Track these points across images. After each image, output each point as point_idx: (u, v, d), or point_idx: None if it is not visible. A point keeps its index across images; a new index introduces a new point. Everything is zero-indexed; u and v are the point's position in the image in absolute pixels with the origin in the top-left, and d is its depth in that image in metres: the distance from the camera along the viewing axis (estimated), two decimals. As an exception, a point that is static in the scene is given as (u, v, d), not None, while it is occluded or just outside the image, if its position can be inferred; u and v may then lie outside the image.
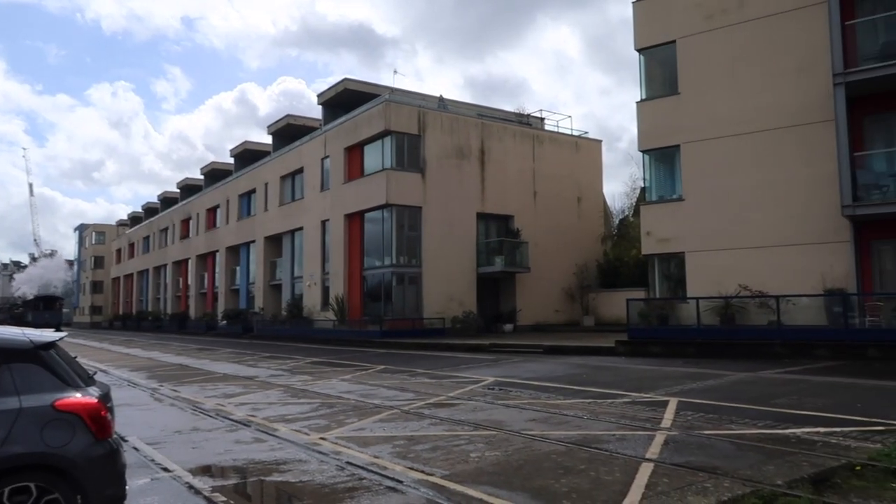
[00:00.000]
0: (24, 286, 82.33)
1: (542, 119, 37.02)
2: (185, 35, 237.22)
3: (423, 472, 6.37)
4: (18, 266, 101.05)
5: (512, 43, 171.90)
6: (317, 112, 38.20)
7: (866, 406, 9.25)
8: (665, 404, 9.93)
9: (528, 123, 35.28)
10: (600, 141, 37.56)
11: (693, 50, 20.94)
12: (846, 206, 16.47)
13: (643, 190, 25.72)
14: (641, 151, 22.25)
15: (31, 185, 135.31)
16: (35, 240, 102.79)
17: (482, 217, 31.52)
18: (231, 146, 50.90)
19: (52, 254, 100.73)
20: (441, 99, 33.94)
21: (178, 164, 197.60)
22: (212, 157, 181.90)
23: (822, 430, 7.75)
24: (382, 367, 17.33)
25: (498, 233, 31.98)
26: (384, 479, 6.15)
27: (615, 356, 18.45)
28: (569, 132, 36.22)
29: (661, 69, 22.15)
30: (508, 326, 30.04)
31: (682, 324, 19.45)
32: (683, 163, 20.96)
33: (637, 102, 22.28)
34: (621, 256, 33.12)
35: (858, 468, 6.02)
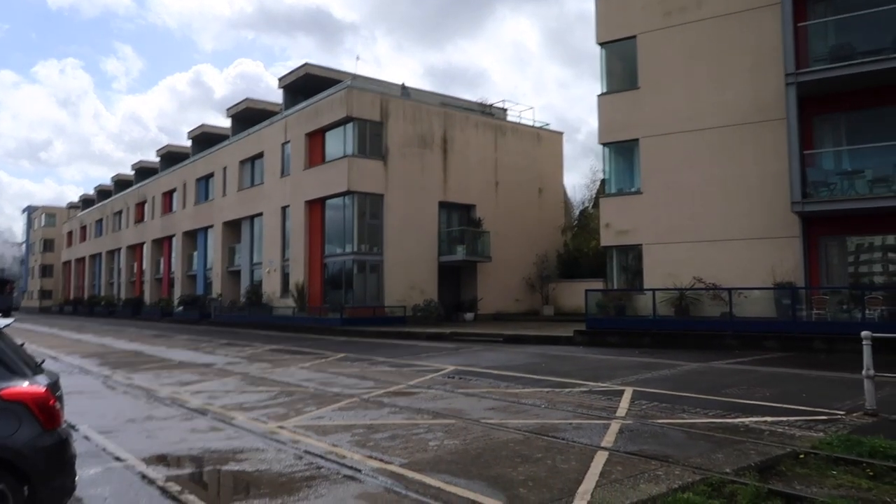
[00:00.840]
0: None
1: (504, 110, 37.13)
2: (136, 13, 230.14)
3: (381, 460, 6.39)
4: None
5: (472, 33, 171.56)
6: (276, 96, 37.65)
7: (811, 396, 9.59)
8: (621, 393, 10.13)
9: (490, 114, 35.36)
10: (561, 133, 37.92)
11: (652, 46, 21.25)
12: (795, 202, 16.98)
13: (603, 182, 26.07)
14: (602, 144, 22.53)
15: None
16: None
17: (444, 206, 31.54)
18: (186, 129, 49.86)
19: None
20: (404, 87, 33.73)
21: (131, 145, 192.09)
22: (166, 139, 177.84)
23: (768, 419, 8.01)
24: (342, 355, 17.26)
25: (460, 222, 32.05)
26: (342, 468, 6.15)
27: (574, 346, 18.72)
28: (530, 123, 36.45)
29: (621, 64, 22.42)
30: (469, 315, 30.21)
31: (639, 314, 19.85)
32: (642, 156, 21.31)
33: (598, 96, 22.52)
34: (581, 247, 33.54)
35: (802, 456, 6.26)
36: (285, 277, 32.89)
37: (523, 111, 37.12)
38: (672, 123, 20.62)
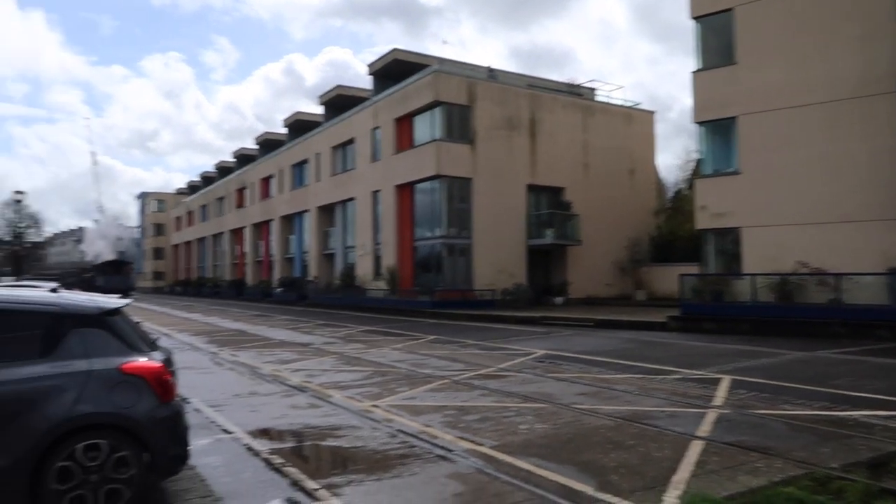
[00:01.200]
0: (90, 247, 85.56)
1: (593, 90, 36.26)
2: (231, 6, 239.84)
3: (472, 441, 6.49)
4: (101, 227, 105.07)
5: (557, 11, 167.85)
6: (365, 82, 38.33)
7: (931, 389, 8.93)
8: (717, 382, 9.80)
9: (578, 94, 34.63)
10: (653, 112, 36.63)
11: (751, 17, 20.08)
12: (916, 180, 15.70)
13: (698, 163, 25.03)
14: (696, 123, 21.59)
15: (93, 154, 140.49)
16: (99, 207, 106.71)
17: (532, 189, 31.26)
18: (280, 116, 51.75)
19: (116, 220, 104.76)
20: (490, 69, 33.54)
21: (230, 133, 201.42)
22: (261, 127, 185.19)
23: (881, 413, 7.54)
24: (433, 337, 17.54)
25: (548, 205, 31.68)
26: (434, 448, 6.29)
27: (667, 332, 18.22)
28: (620, 103, 35.42)
29: (717, 38, 21.33)
30: (559, 299, 29.92)
31: (737, 300, 19.01)
32: (740, 135, 20.27)
33: (692, 73, 21.56)
34: (675, 230, 32.45)
35: (919, 453, 5.86)
36: (377, 260, 33.67)
37: (612, 91, 35.95)
38: (773, 99, 19.48)
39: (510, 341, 16.23)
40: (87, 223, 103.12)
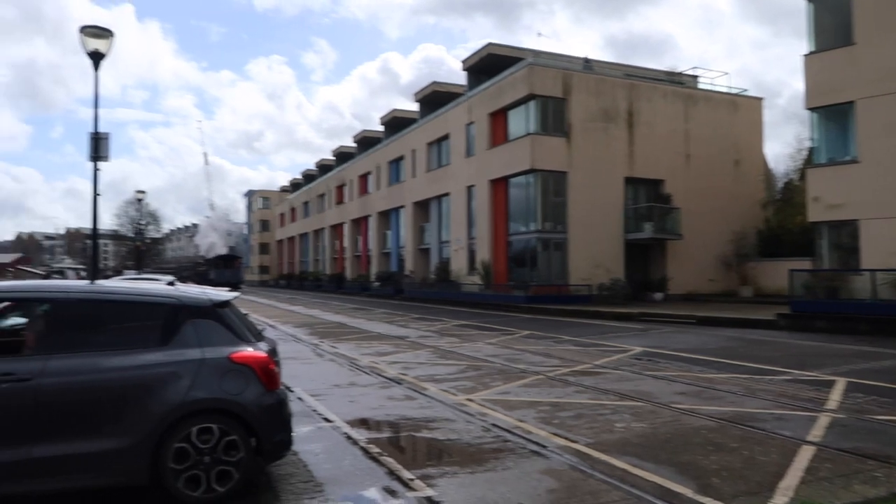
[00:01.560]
0: (203, 240, 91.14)
1: (695, 77, 34.77)
2: (330, 8, 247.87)
3: (566, 438, 6.43)
4: (194, 227, 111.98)
5: None
6: (459, 78, 38.54)
7: None
8: (831, 384, 9.21)
9: (679, 82, 33.31)
10: (761, 99, 34.67)
11: (875, -7, 18.62)
12: None
13: (810, 151, 23.51)
14: (809, 109, 20.29)
15: (205, 155, 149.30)
16: (210, 204, 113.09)
17: (630, 182, 30.41)
18: (376, 114, 53.12)
19: (225, 217, 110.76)
20: (586, 60, 32.86)
21: (329, 132, 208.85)
22: (358, 125, 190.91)
23: None
24: (527, 332, 17.47)
25: (647, 198, 30.73)
26: (528, 443, 6.28)
27: (775, 330, 17.29)
28: (725, 90, 33.77)
29: (832, 17, 19.92)
30: (658, 295, 28.99)
31: (854, 298, 17.74)
32: (858, 121, 18.88)
33: (804, 56, 20.26)
34: (784, 223, 30.64)
35: None
36: (471, 255, 33.85)
37: (716, 77, 34.37)
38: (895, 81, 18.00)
39: (606, 338, 15.91)
40: (199, 220, 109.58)
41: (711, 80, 34.18)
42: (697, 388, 9.09)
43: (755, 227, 31.67)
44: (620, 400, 8.30)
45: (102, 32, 13.04)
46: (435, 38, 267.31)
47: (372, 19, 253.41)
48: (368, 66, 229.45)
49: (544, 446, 6.17)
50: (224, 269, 63.39)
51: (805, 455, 5.75)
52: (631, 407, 7.87)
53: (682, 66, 34.74)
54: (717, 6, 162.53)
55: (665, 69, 34.64)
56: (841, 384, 9.19)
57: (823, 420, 7.07)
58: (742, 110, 33.35)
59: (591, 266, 28.56)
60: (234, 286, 56.07)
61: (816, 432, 6.55)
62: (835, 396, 8.38)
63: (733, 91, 33.92)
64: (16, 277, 74.30)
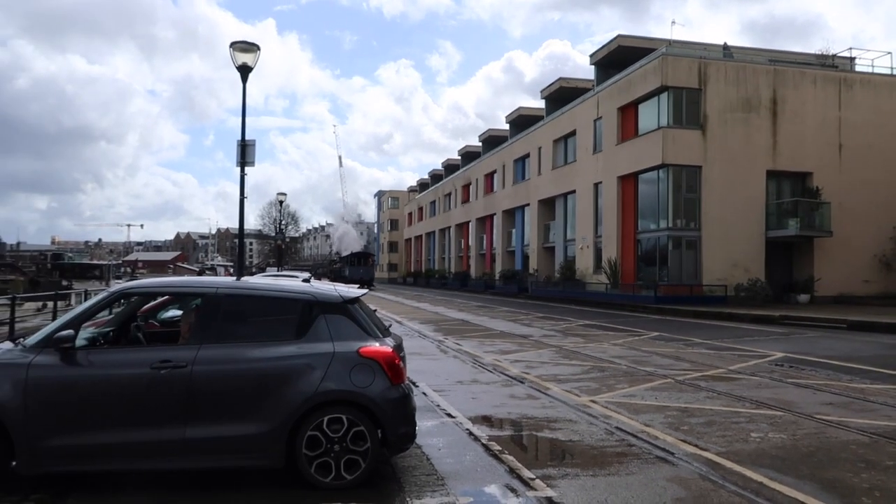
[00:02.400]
0: (336, 232, 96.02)
1: (851, 59, 31.86)
2: (454, 10, 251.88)
3: (696, 445, 6.15)
4: (327, 227, 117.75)
5: None
6: (584, 73, 37.90)
7: None
8: None
9: (833, 66, 30.65)
10: (931, 79, 31.16)
11: None
12: None
13: None
14: None
15: (340, 157, 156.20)
16: (344, 204, 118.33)
17: (773, 175, 28.43)
18: (501, 113, 53.37)
19: (358, 217, 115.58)
20: (725, 46, 31.06)
21: (454, 132, 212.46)
22: (482, 125, 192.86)
23: None
24: (656, 333, 16.84)
25: (792, 192, 28.61)
26: (654, 449, 6.07)
27: (943, 338, 15.53)
28: (887, 72, 30.68)
29: None
30: (803, 297, 26.90)
31: None
32: None
33: None
34: (957, 218, 27.41)
35: None
36: (598, 253, 33.10)
37: (877, 58, 31.28)
38: None
39: (743, 341, 15.00)
40: (333, 220, 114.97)
41: (871, 61, 31.27)
42: (847, 399, 8.36)
43: (921, 223, 28.55)
44: (757, 408, 7.81)
45: (250, 47, 14.04)
46: (560, 33, 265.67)
47: (496, 19, 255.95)
48: (493, 65, 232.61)
49: (672, 453, 5.94)
50: (358, 266, 64.44)
51: (976, 479, 5.14)
52: (769, 416, 7.38)
53: (836, 49, 31.87)
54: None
55: (816, 52, 32.05)
56: None
57: None
58: (906, 94, 30.16)
59: (727, 265, 27.02)
60: (367, 283, 57.76)
61: None
62: None
63: (896, 73, 30.80)
64: (175, 273, 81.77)
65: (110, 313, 7.13)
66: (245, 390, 4.92)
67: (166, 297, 7.84)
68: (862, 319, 18.47)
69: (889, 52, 31.15)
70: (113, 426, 4.77)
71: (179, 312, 8.03)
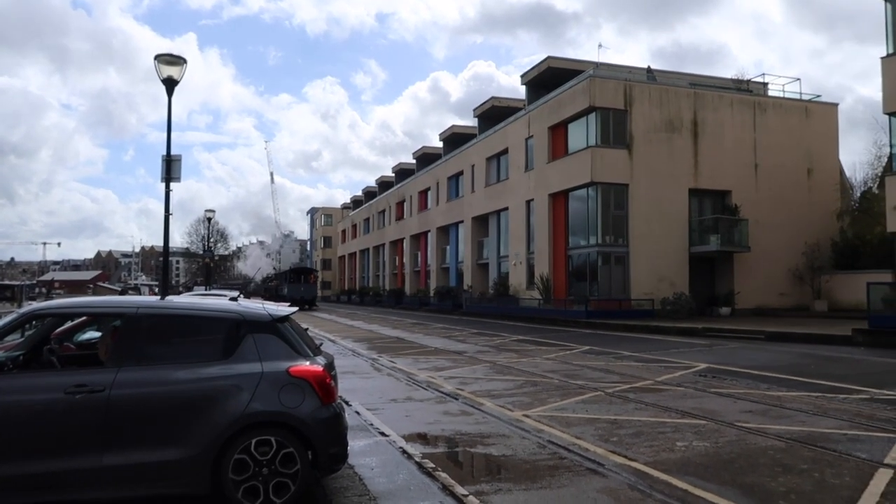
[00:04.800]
0: (253, 261, 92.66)
1: (764, 84, 33.72)
2: (378, 31, 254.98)
3: (625, 456, 6.28)
4: (262, 245, 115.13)
5: (703, 8, 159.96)
6: (508, 92, 38.89)
7: None
8: (912, 404, 8.69)
9: (748, 90, 32.35)
10: (835, 105, 33.28)
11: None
12: None
13: (889, 158, 22.42)
14: (887, 114, 19.41)
15: (271, 174, 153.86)
16: (276, 222, 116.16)
17: (695, 193, 29.67)
18: (429, 131, 53.70)
19: (289, 235, 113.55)
20: (649, 70, 32.35)
21: (382, 150, 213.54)
22: (410, 143, 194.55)
23: None
24: (587, 347, 17.19)
25: (713, 209, 29.90)
26: (585, 461, 6.17)
27: (851, 346, 16.46)
28: (796, 97, 32.60)
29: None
30: (725, 310, 28.07)
31: (940, 312, 16.75)
32: (944, 124, 17.92)
33: (882, 59, 19.43)
34: (862, 234, 29.22)
35: None
36: (530, 269, 33.61)
37: (787, 84, 33.15)
38: None
39: (669, 353, 15.49)
40: (264, 237, 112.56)
41: (782, 86, 33.11)
42: (765, 407, 8.73)
43: (830, 239, 30.33)
44: (682, 418, 8.06)
45: (176, 60, 13.65)
46: (482, 55, 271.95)
47: (419, 41, 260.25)
48: (419, 85, 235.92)
49: (601, 464, 6.04)
50: (297, 283, 56.02)
51: (882, 479, 5.44)
52: (693, 425, 7.62)
53: (744, 75, 33.82)
54: (769, 15, 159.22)
55: (732, 77, 33.76)
56: (923, 404, 8.66)
57: (903, 442, 6.68)
58: (815, 117, 32.12)
59: (653, 280, 27.93)
60: (308, 302, 52.75)
61: (895, 455, 6.19)
62: (916, 417, 7.90)
63: (805, 97, 32.75)
64: (94, 293, 78.13)
65: (22, 336, 6.74)
66: (167, 414, 4.72)
67: (83, 318, 7.47)
68: (778, 330, 19.39)
69: (798, 79, 33.14)
70: (23, 456, 4.49)
71: (98, 334, 7.67)
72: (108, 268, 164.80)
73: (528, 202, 33.92)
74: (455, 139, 48.54)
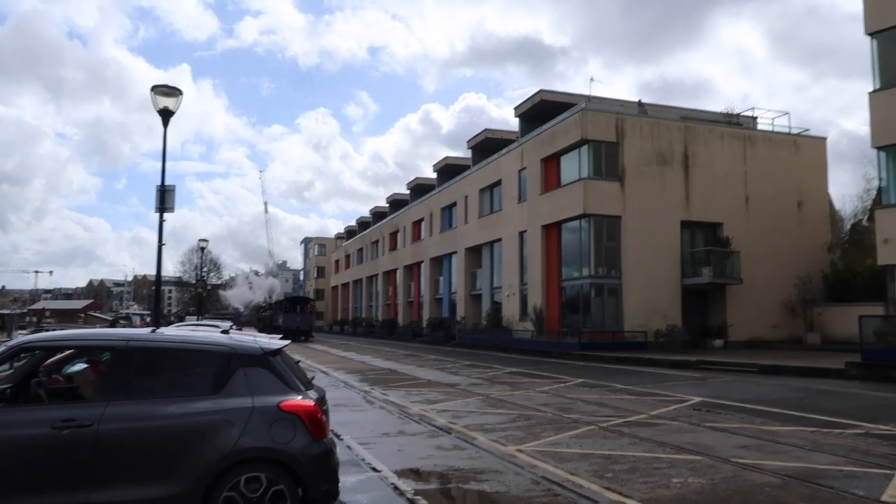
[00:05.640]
0: (240, 293, 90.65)
1: (754, 118, 34.21)
2: (370, 64, 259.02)
3: (620, 493, 6.20)
4: (257, 275, 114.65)
5: (688, 43, 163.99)
6: (499, 124, 39.26)
7: None
8: (908, 439, 8.65)
9: (738, 124, 32.81)
10: (824, 138, 33.73)
11: (942, 29, 18.13)
12: None
13: (879, 191, 22.68)
14: (876, 148, 19.69)
15: (265, 204, 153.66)
16: (269, 252, 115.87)
17: (687, 225, 29.85)
18: (420, 162, 54.09)
19: (283, 263, 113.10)
20: (640, 103, 32.78)
21: (374, 180, 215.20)
22: (402, 174, 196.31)
23: None
24: (581, 380, 17.10)
25: (705, 242, 30.06)
26: (579, 498, 6.09)
27: (845, 380, 16.44)
28: (786, 131, 33.07)
29: (899, 54, 19.45)
30: (718, 342, 28.05)
31: (933, 345, 16.78)
32: (931, 159, 18.18)
33: (869, 93, 19.77)
34: (853, 267, 29.41)
35: None
36: (523, 301, 33.57)
37: (776, 118, 33.66)
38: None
39: (663, 386, 15.42)
40: (257, 266, 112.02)
41: (771, 120, 33.61)
42: (760, 442, 8.67)
43: (821, 271, 30.47)
44: (677, 453, 7.98)
45: (172, 91, 13.76)
46: (472, 88, 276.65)
47: (410, 74, 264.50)
48: (410, 117, 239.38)
49: (596, 501, 5.96)
50: (293, 313, 52.79)
51: (879, 517, 5.39)
52: (689, 461, 7.55)
53: (734, 108, 34.43)
54: (752, 51, 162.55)
55: (723, 111, 34.24)
56: (918, 439, 8.63)
57: (899, 479, 6.63)
58: (804, 150, 32.53)
59: (646, 312, 27.92)
60: (305, 334, 50.45)
61: (892, 492, 6.14)
62: (912, 453, 7.86)
63: (794, 131, 33.21)
64: (86, 323, 77.38)
65: (11, 368, 6.64)
66: (156, 449, 4.65)
67: (70, 350, 7.39)
68: (771, 363, 19.36)
69: (787, 113, 33.67)
70: (7, 492, 4.40)
71: (87, 367, 7.57)
72: (100, 297, 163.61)
73: (522, 233, 34.03)
74: (448, 170, 48.87)
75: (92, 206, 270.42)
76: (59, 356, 7.76)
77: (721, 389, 14.79)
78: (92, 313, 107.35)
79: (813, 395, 13.59)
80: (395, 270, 57.38)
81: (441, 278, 47.24)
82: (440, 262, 47.28)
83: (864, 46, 20.27)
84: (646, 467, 7.25)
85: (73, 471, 4.50)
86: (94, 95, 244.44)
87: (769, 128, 33.22)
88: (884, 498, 5.94)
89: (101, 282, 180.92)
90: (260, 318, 68.20)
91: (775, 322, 29.79)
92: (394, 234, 58.58)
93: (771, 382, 16.23)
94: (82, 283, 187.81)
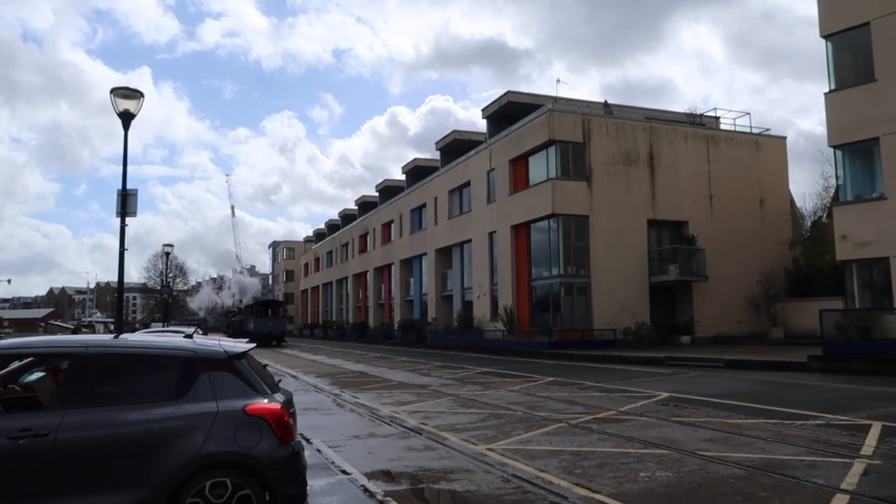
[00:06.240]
0: (202, 296, 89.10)
1: (716, 118, 34.86)
2: (334, 66, 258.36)
3: (589, 488, 6.25)
4: (223, 280, 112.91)
5: (649, 46, 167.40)
6: (466, 126, 39.28)
7: None
8: (866, 429, 8.88)
9: (701, 124, 33.39)
10: (784, 138, 34.58)
11: (891, 31, 18.66)
12: None
13: (836, 189, 23.28)
14: (832, 147, 20.19)
15: (232, 208, 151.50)
16: (237, 256, 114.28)
17: (653, 224, 30.27)
18: (388, 164, 54.20)
19: (251, 268, 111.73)
20: (606, 104, 33.18)
21: (341, 182, 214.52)
22: (370, 176, 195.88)
23: None
24: (551, 378, 17.21)
25: (671, 240, 30.52)
26: (549, 494, 6.12)
27: (807, 372, 16.81)
28: (747, 130, 33.76)
29: (852, 56, 19.99)
30: (685, 338, 28.49)
31: (889, 337, 17.26)
32: (884, 157, 18.70)
33: (825, 94, 20.26)
34: (813, 263, 30.12)
35: None
36: (494, 301, 33.69)
37: (738, 118, 34.35)
38: (922, 116, 17.86)
39: (631, 383, 15.60)
40: (226, 272, 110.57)
41: (733, 120, 34.27)
42: (725, 435, 8.82)
43: (783, 267, 31.18)
44: (645, 448, 8.08)
45: (132, 93, 13.47)
46: (438, 90, 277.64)
47: (376, 77, 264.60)
48: (377, 119, 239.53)
49: (565, 497, 6.00)
50: (265, 317, 51.63)
51: (839, 504, 5.52)
52: (656, 455, 7.65)
53: (697, 109, 35.16)
54: (711, 54, 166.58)
55: (686, 111, 34.82)
56: (876, 429, 8.85)
57: (858, 467, 6.80)
58: (765, 150, 33.24)
59: (615, 310, 28.23)
60: (278, 339, 49.48)
61: (851, 480, 6.29)
62: (870, 442, 8.07)
63: (755, 131, 33.91)
64: (46, 332, 75.46)
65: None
66: (117, 457, 4.55)
67: (29, 359, 7.19)
68: (736, 358, 19.72)
69: (748, 113, 34.36)
70: None
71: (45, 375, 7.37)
72: (62, 305, 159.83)
73: (491, 234, 34.15)
74: (417, 172, 48.83)
75: (50, 213, 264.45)
76: (16, 365, 7.55)
77: (688, 385, 15.02)
78: (53, 322, 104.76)
79: (776, 389, 13.87)
80: (365, 273, 57.12)
81: (412, 280, 47.16)
82: (410, 264, 47.19)
83: (818, 49, 20.80)
84: (614, 462, 7.33)
85: (30, 481, 4.39)
86: (51, 99, 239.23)
87: (731, 128, 33.88)
88: (843, 486, 6.08)
89: (63, 289, 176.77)
90: (230, 322, 66.76)
91: (740, 318, 30.37)
92: (363, 237, 58.32)
93: (736, 377, 16.53)
94: (42, 292, 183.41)
